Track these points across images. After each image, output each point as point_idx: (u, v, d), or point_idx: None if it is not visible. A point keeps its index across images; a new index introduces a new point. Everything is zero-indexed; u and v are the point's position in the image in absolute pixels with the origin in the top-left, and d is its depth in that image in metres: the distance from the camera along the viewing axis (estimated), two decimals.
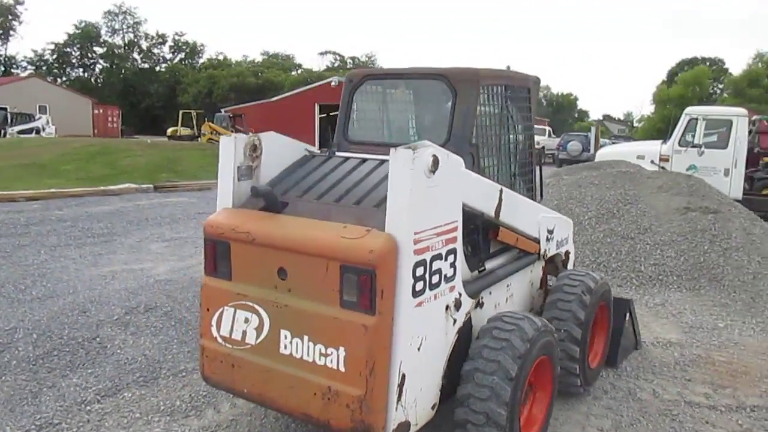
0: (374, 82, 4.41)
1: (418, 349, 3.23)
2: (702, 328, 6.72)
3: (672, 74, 69.60)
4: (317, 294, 3.25)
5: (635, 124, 75.22)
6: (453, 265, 3.46)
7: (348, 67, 75.58)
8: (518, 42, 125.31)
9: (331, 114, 37.68)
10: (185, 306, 6.76)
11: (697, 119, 12.59)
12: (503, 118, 4.30)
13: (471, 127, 3.89)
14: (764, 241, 8.71)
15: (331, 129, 4.57)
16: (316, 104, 39.74)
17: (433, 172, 3.16)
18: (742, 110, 12.64)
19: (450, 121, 3.94)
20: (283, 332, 3.38)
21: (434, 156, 3.15)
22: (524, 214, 4.49)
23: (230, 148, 3.75)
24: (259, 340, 3.48)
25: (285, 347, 3.37)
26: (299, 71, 74.26)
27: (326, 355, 3.22)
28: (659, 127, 54.36)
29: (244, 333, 3.54)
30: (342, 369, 3.16)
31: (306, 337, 3.29)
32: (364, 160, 3.91)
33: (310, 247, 3.26)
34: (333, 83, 37.85)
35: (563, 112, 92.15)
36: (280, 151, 4.02)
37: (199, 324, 3.84)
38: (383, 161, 3.72)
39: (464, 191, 3.56)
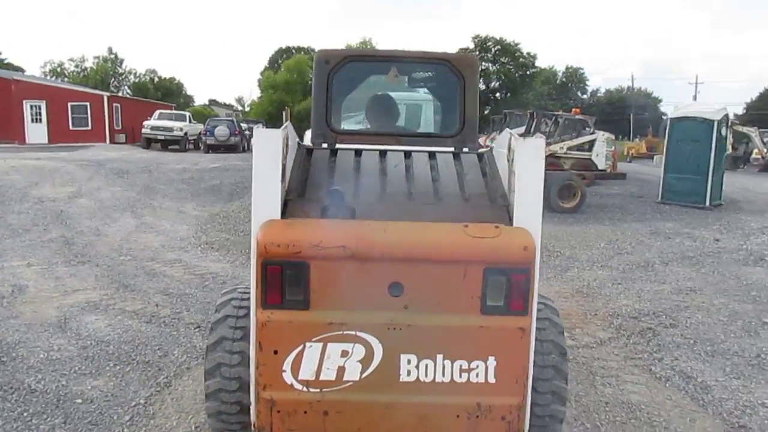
0: (356, 65, 3.92)
1: None
2: None
3: (272, 61, 74.83)
4: (449, 305, 2.88)
5: (246, 108, 78.38)
6: None
7: None
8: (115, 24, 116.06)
9: None
10: None
11: None
12: None
13: (477, 114, 3.86)
14: None
15: None
16: None
17: None
18: None
19: (462, 109, 3.83)
20: (404, 357, 2.88)
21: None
22: None
23: (274, 143, 2.94)
24: (367, 374, 2.89)
25: (408, 374, 2.89)
26: None
27: (469, 370, 2.90)
28: (269, 111, 58.21)
29: (342, 369, 2.89)
30: (492, 380, 2.90)
31: (439, 357, 2.89)
32: (384, 153, 3.52)
33: (441, 253, 2.85)
34: None
35: (170, 97, 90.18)
36: None
37: (254, 373, 2.93)
38: (430, 152, 3.44)
39: None
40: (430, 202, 3.17)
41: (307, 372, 2.89)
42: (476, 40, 65.79)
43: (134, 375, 4.84)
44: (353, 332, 2.86)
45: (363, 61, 3.91)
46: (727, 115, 17.11)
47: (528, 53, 65.53)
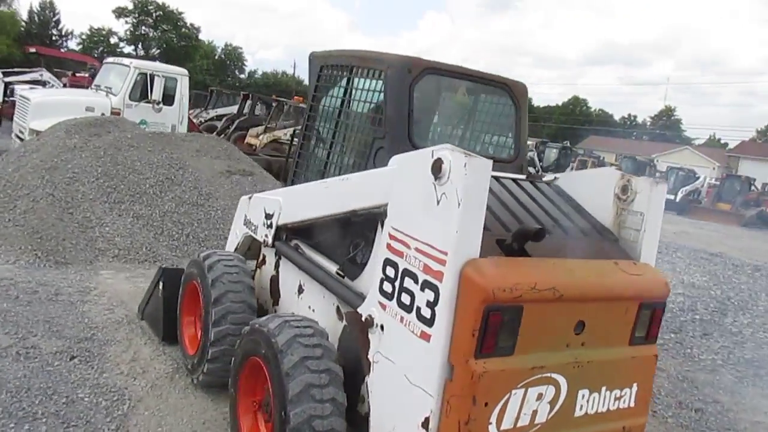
0: (434, 78, 3.60)
1: None
2: None
3: None
4: (610, 339, 3.07)
5: None
6: None
7: None
8: None
9: None
10: None
11: (152, 75, 12.54)
12: None
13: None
14: None
15: None
16: None
17: None
18: (184, 70, 13.36)
19: (516, 136, 3.91)
20: (581, 393, 2.96)
21: None
22: None
23: (484, 172, 2.67)
24: (552, 414, 2.88)
25: (581, 408, 2.98)
26: None
27: (620, 398, 3.13)
28: None
29: (535, 413, 2.82)
30: (632, 404, 3.18)
31: (603, 388, 3.05)
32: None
33: (616, 291, 3.01)
34: None
35: None
36: None
37: (462, 428, 2.61)
38: (532, 181, 3.48)
39: None
40: (567, 235, 3.24)
41: (508, 421, 2.74)
42: (136, 1, 61.40)
43: None
44: (549, 374, 2.82)
45: (442, 74, 3.65)
46: None
47: (192, 24, 63.94)
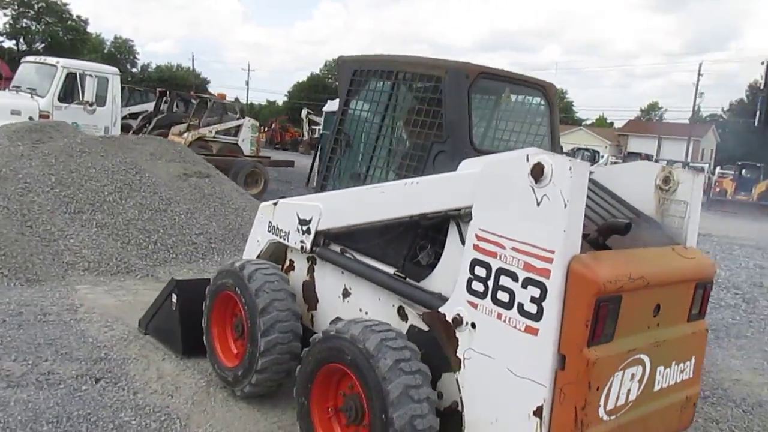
0: (487, 82, 3.72)
1: None
2: None
3: None
4: (677, 318, 3.37)
5: None
6: None
7: None
8: None
9: None
10: None
11: (82, 75, 11.77)
12: None
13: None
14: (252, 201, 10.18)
15: None
16: None
17: None
18: (114, 68, 12.64)
19: (550, 136, 4.13)
20: (658, 369, 3.24)
21: None
22: None
23: (585, 175, 2.86)
24: (639, 392, 3.13)
25: (658, 383, 3.26)
26: None
27: (683, 371, 3.44)
28: None
29: (628, 392, 3.06)
30: (691, 375, 3.51)
31: (673, 363, 3.34)
32: None
33: (683, 275, 3.32)
34: None
35: None
36: None
37: (578, 413, 2.80)
38: None
39: None
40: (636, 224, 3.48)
41: (611, 402, 2.97)
42: None
43: None
44: (639, 355, 3.07)
45: (492, 78, 3.78)
46: None
47: (78, 16, 60.39)
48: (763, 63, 18.16)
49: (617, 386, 2.98)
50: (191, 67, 77.64)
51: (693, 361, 3.50)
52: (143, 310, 5.99)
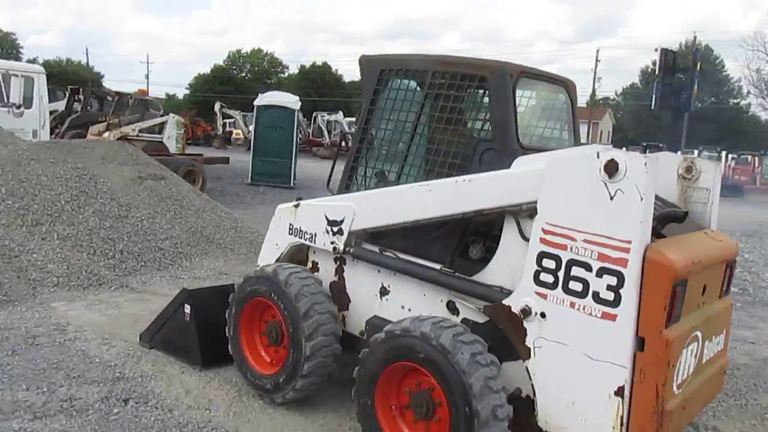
0: (525, 81, 3.84)
1: None
2: None
3: None
4: (715, 295, 3.68)
5: None
6: None
7: None
8: None
9: None
10: None
11: (6, 75, 10.88)
12: None
13: None
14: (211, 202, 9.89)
15: None
16: None
17: None
18: (40, 67, 11.75)
19: (572, 131, 4.34)
20: (706, 344, 3.53)
21: None
22: None
23: (654, 169, 3.07)
24: (695, 366, 3.41)
25: (705, 356, 3.55)
26: None
27: (719, 343, 3.77)
28: None
29: (689, 367, 3.33)
30: (722, 347, 3.84)
31: (713, 336, 3.65)
32: None
33: (721, 256, 3.63)
34: None
35: None
36: None
37: (660, 390, 3.02)
38: None
39: None
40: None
41: (680, 377, 3.22)
42: None
43: None
44: (696, 332, 3.35)
45: (530, 77, 3.91)
46: (300, 104, 19.59)
47: None
48: (656, 49, 19.35)
49: (684, 362, 3.24)
50: (84, 61, 73.13)
51: (723, 333, 3.84)
52: (134, 324, 5.80)
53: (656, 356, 3.02)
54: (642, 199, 2.99)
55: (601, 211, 3.11)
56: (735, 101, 60.35)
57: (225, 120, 45.51)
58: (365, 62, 4.40)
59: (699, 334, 3.39)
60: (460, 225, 3.82)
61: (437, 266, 3.92)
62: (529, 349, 3.39)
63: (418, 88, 4.12)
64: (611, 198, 3.08)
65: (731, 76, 59.34)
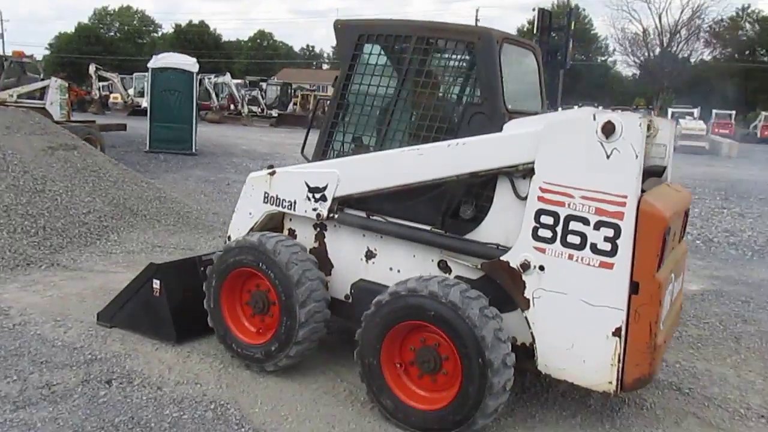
0: (506, 46, 3.96)
1: None
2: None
3: None
4: (677, 240, 4.10)
5: None
6: None
7: None
8: None
9: None
10: None
11: None
12: None
13: None
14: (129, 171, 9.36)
15: None
16: None
17: None
18: None
19: (540, 91, 4.57)
20: (674, 284, 3.95)
21: None
22: None
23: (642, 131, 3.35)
24: (669, 303, 3.82)
25: (672, 294, 3.97)
26: None
27: (680, 283, 4.23)
28: None
29: (667, 305, 3.72)
30: (680, 287, 4.31)
31: (678, 276, 4.09)
32: None
33: (684, 205, 4.06)
34: None
35: None
36: None
37: (654, 328, 3.37)
38: None
39: None
40: None
41: (663, 314, 3.60)
42: None
43: None
44: (671, 274, 3.74)
45: (509, 42, 4.03)
46: (198, 66, 18.64)
47: None
48: (534, 9, 20.24)
49: (665, 300, 3.62)
50: None
51: (683, 274, 4.30)
52: (82, 303, 5.56)
53: (650, 297, 3.37)
54: (637, 156, 3.28)
55: (598, 169, 3.37)
56: (603, 58, 64.78)
57: (101, 83, 42.38)
58: (340, 27, 4.36)
59: (672, 275, 3.79)
60: (451, 187, 3.96)
61: (426, 228, 4.05)
62: (528, 300, 3.63)
63: (403, 54, 4.15)
64: (608, 157, 3.34)
65: (599, 34, 63.50)
